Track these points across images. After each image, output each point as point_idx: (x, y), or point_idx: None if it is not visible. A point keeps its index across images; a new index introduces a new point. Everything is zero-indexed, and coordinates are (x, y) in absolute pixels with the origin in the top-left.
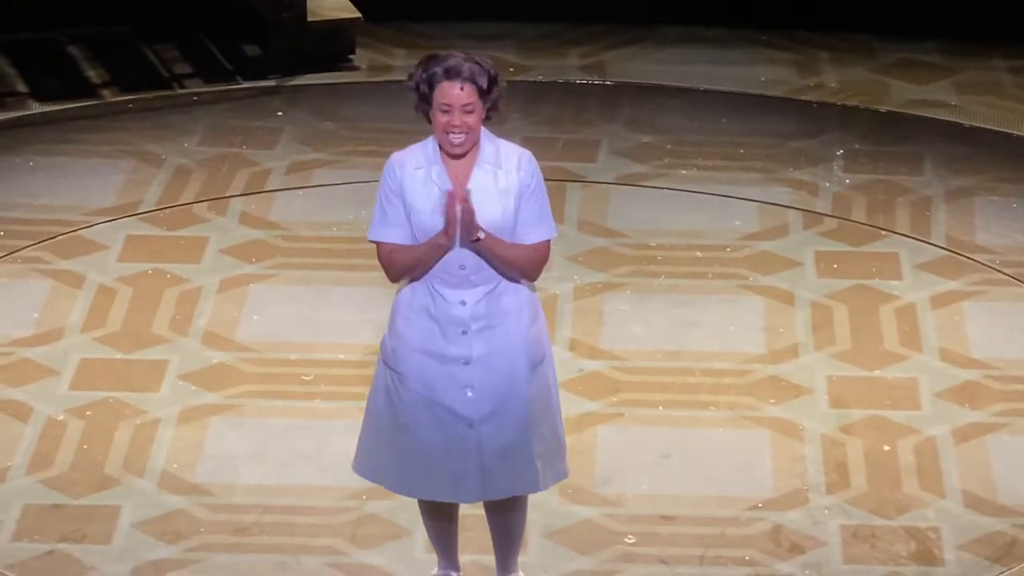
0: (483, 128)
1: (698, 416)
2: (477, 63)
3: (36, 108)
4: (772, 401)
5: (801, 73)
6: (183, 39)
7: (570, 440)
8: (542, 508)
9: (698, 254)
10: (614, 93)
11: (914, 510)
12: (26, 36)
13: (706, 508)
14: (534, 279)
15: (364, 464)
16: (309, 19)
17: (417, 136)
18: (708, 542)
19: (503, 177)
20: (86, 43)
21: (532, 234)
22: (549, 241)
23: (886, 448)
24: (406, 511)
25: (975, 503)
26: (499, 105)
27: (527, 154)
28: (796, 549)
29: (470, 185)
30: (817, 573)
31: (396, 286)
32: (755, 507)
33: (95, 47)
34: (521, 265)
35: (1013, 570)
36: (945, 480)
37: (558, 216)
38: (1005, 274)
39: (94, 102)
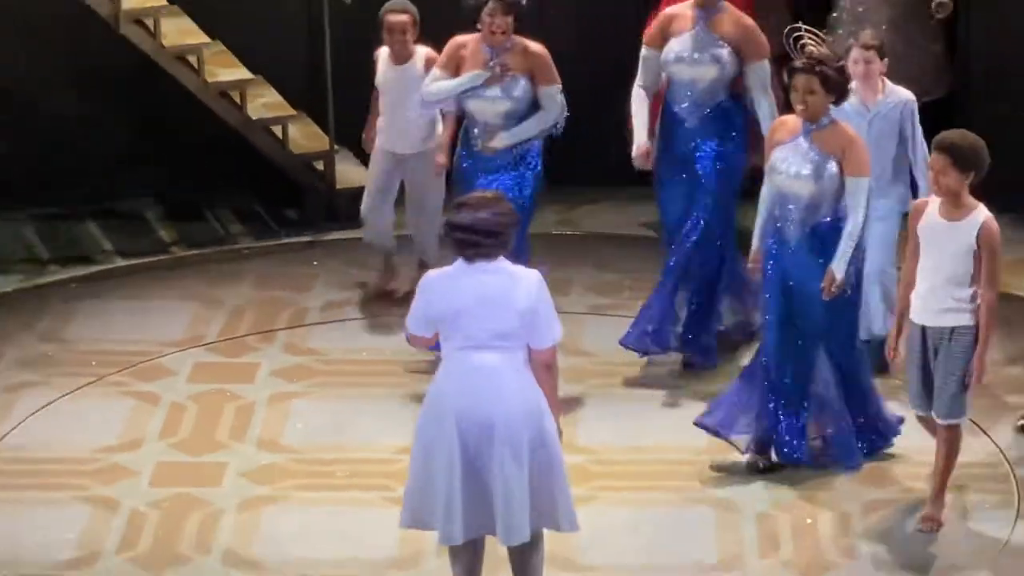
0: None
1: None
2: None
3: (120, 262)
4: None
5: None
6: (237, 205)
7: None
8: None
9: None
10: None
11: None
12: (111, 204)
13: None
14: None
15: None
16: (338, 186)
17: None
18: None
19: None
20: (160, 208)
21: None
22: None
23: None
24: None
25: None
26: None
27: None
28: None
29: None
30: None
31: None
32: None
33: (167, 212)
34: None
35: None
36: None
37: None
38: None
39: (165, 256)
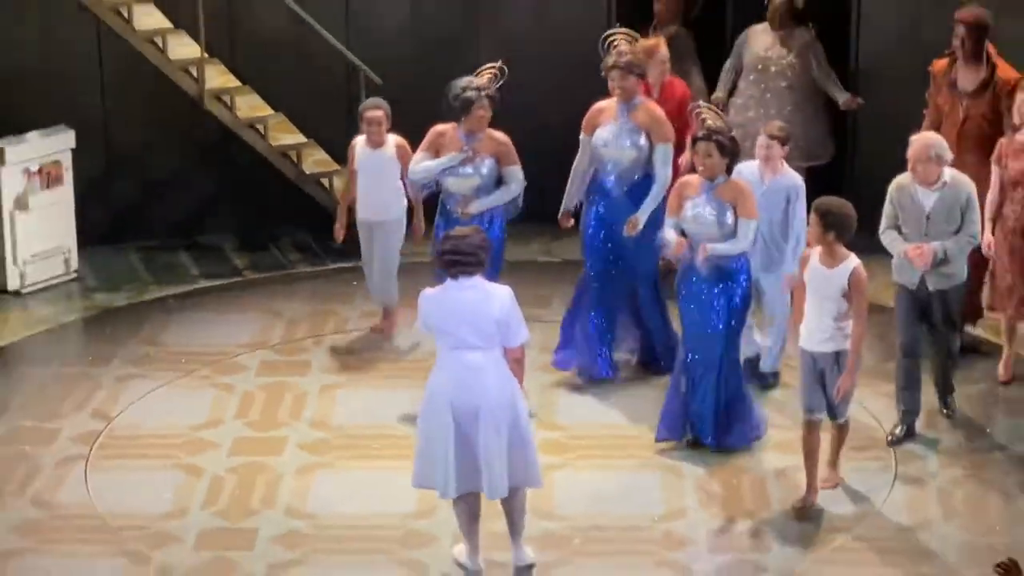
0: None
1: None
2: None
3: (204, 283)
4: None
5: None
6: (294, 239)
7: None
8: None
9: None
10: (561, 267)
11: None
12: (197, 239)
13: None
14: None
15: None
16: None
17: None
18: None
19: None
20: (235, 242)
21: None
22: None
23: None
24: (434, 526)
25: None
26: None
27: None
28: None
29: None
30: None
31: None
32: None
33: (240, 244)
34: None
35: None
36: None
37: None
38: None
39: (239, 279)
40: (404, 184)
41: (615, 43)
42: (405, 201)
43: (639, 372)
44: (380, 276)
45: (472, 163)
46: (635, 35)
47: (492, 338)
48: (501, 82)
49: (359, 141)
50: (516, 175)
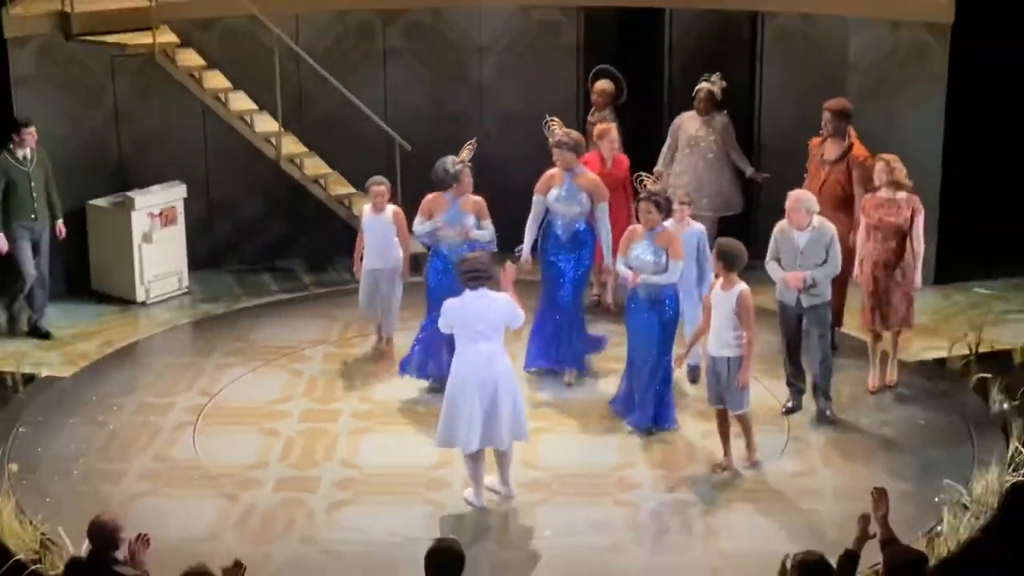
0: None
1: None
2: None
3: (281, 296)
4: None
5: None
6: (347, 263)
7: None
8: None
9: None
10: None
11: None
12: (276, 263)
13: None
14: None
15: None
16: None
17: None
18: None
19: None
20: (304, 265)
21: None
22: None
23: None
24: (450, 475)
25: None
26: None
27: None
28: None
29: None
30: None
31: None
32: None
33: (308, 267)
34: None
35: None
36: None
37: None
38: None
39: (307, 293)
40: (399, 241)
41: (552, 127)
42: (400, 253)
43: (600, 366)
44: (385, 307)
45: (460, 221)
46: (559, 121)
47: (499, 331)
48: (473, 153)
49: (366, 208)
50: (488, 227)
